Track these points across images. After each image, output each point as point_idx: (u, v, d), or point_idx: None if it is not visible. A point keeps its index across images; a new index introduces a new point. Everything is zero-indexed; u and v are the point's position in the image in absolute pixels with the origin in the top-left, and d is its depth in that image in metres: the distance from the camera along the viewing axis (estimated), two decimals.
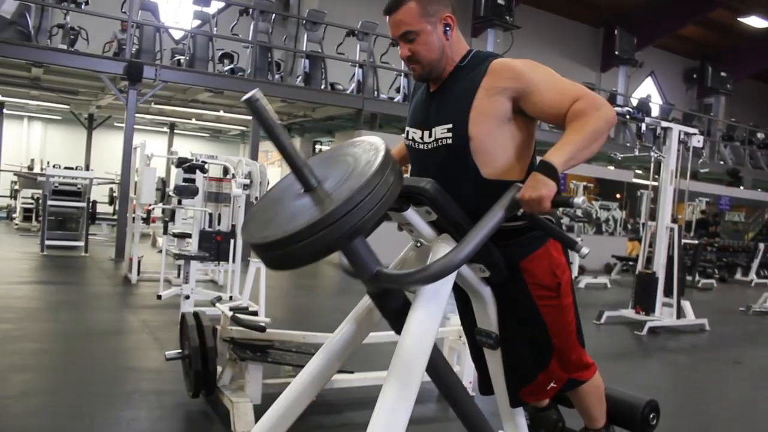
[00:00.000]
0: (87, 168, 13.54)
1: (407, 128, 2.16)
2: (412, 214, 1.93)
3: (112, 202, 14.15)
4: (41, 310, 5.80)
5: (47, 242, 9.27)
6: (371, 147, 1.76)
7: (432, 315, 1.82)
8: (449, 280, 1.85)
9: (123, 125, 9.93)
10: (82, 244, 9.58)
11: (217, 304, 3.70)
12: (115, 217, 13.17)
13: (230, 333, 3.35)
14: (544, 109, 1.94)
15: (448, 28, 2.01)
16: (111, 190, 14.05)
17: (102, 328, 5.19)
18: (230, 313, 3.35)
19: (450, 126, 1.97)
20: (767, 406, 4.49)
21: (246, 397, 3.16)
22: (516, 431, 2.24)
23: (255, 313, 3.57)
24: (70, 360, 4.22)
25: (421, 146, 2.08)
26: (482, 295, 2.08)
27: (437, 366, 2.03)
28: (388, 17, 2.03)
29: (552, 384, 2.14)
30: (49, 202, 9.36)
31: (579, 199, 1.81)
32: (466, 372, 3.86)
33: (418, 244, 2.04)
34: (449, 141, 1.98)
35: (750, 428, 3.96)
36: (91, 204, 10.09)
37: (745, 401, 4.58)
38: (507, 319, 2.09)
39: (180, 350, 3.45)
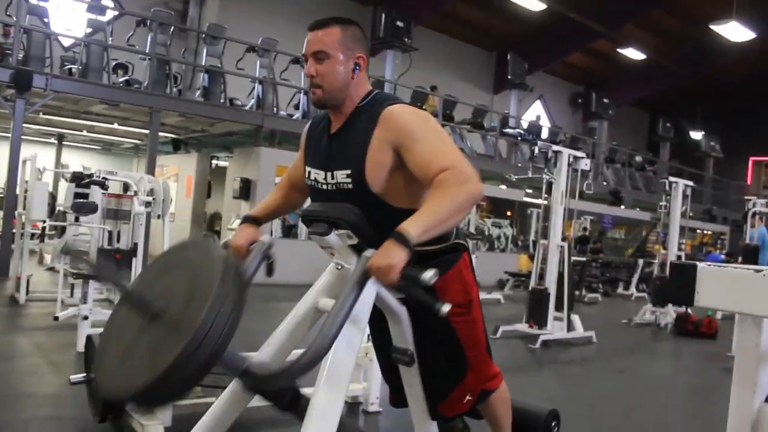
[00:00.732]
0: None
1: (308, 168, 2.21)
2: (333, 238, 2.00)
3: None
4: None
5: None
6: (207, 254, 1.74)
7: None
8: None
9: (5, 135, 9.42)
10: None
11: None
12: None
13: None
14: (414, 167, 1.97)
15: (357, 67, 2.09)
16: None
17: None
18: None
19: (348, 172, 2.05)
20: (649, 411, 4.84)
21: (156, 419, 3.10)
22: None
23: None
24: None
25: (324, 186, 2.14)
26: (398, 315, 2.17)
27: None
28: (309, 32, 2.08)
29: (468, 397, 2.27)
30: None
31: (428, 275, 1.80)
32: (372, 388, 3.96)
33: (339, 267, 2.12)
34: (350, 186, 2.06)
35: (633, 428, 4.28)
36: None
37: (630, 407, 4.91)
38: (422, 337, 2.20)
39: (85, 373, 3.35)
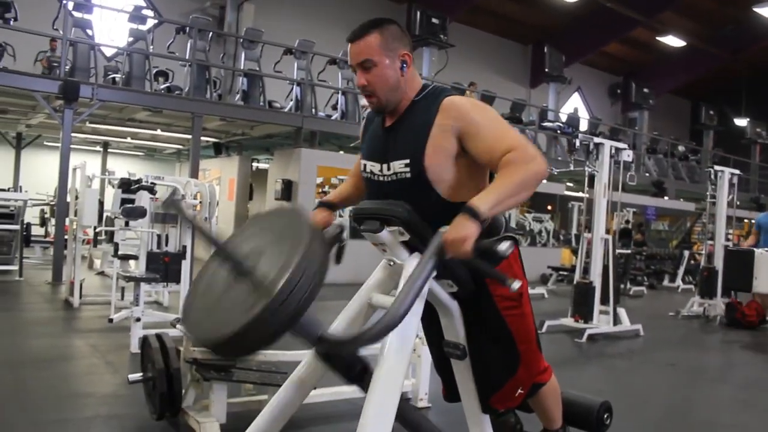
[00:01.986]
0: (16, 189, 13.09)
1: (363, 161, 2.26)
2: (385, 235, 2.05)
3: (43, 223, 13.72)
4: None
5: None
6: (295, 220, 1.84)
7: (400, 365, 1.91)
8: (415, 320, 1.93)
9: (54, 144, 9.71)
10: (16, 268, 9.26)
11: (179, 326, 3.71)
12: (48, 239, 12.83)
13: (193, 354, 3.38)
14: (479, 153, 2.04)
15: (404, 65, 2.12)
16: (42, 211, 13.63)
17: (50, 354, 5.09)
18: None
19: (407, 161, 2.09)
20: (701, 403, 4.79)
21: (212, 416, 3.19)
22: None
23: None
24: (21, 389, 4.13)
25: (380, 178, 2.18)
26: (450, 309, 2.21)
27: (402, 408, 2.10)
28: (350, 44, 2.12)
29: (519, 390, 2.29)
30: None
31: (503, 246, 1.88)
32: (421, 384, 4.00)
33: (391, 263, 2.16)
34: (408, 175, 2.09)
35: (687, 424, 4.22)
36: (24, 226, 9.77)
37: (682, 400, 4.86)
38: (475, 331, 2.23)
39: (142, 373, 3.46)
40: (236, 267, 1.76)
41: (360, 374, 1.95)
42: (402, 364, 1.90)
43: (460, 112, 2.04)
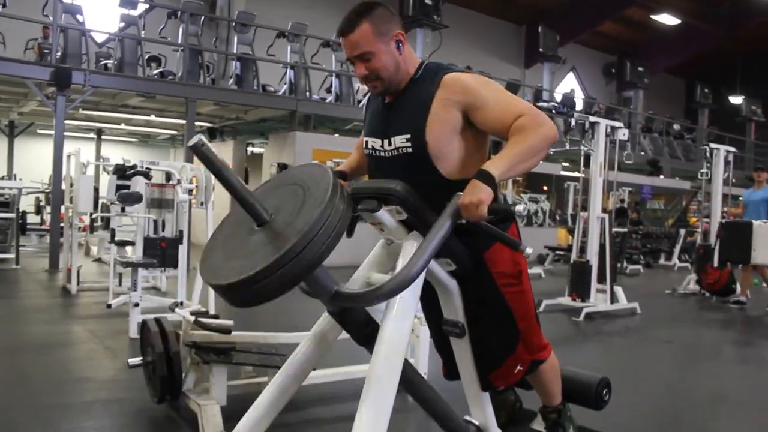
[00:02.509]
0: (10, 177, 13.04)
1: (366, 138, 2.26)
2: (383, 214, 2.04)
3: (39, 211, 13.69)
4: None
5: None
6: (318, 174, 1.85)
7: (403, 326, 1.92)
8: (417, 287, 1.95)
9: (47, 132, 9.66)
10: (12, 256, 9.24)
11: (177, 310, 3.72)
12: (44, 227, 12.80)
13: (192, 337, 3.39)
14: (489, 123, 2.06)
15: (399, 44, 2.12)
16: (37, 199, 13.59)
17: (49, 340, 5.09)
18: (192, 318, 3.38)
19: (408, 136, 2.09)
20: (697, 379, 4.82)
21: (212, 399, 3.20)
22: (483, 414, 2.39)
23: (216, 317, 3.60)
24: (21, 374, 4.14)
25: (382, 154, 2.18)
26: (448, 287, 2.21)
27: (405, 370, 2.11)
28: (342, 38, 2.10)
29: (519, 366, 2.30)
30: None
31: (520, 207, 1.93)
32: (420, 364, 4.01)
33: (389, 243, 2.16)
34: (409, 150, 2.10)
35: (684, 399, 4.26)
36: (20, 214, 9.75)
37: (679, 376, 4.89)
38: (474, 309, 2.23)
39: (142, 357, 3.46)
40: (258, 215, 1.77)
41: (370, 335, 1.96)
42: (406, 322, 1.92)
43: (465, 86, 2.06)
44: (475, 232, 2.06)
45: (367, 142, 2.25)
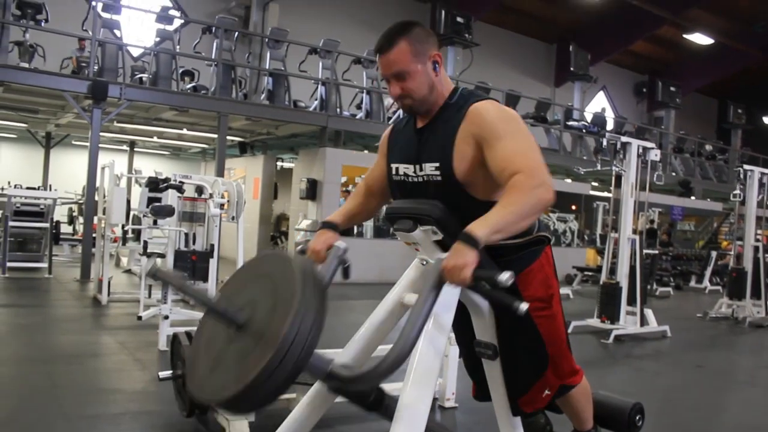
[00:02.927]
0: (45, 187, 13.30)
1: (394, 164, 2.24)
2: (419, 234, 2.04)
3: (71, 221, 13.92)
4: (12, 334, 5.72)
5: (8, 264, 9.09)
6: (283, 263, 1.79)
7: (436, 346, 1.89)
8: (451, 307, 1.93)
9: (82, 144, 9.84)
10: (45, 265, 9.41)
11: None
12: (76, 237, 13.01)
13: None
14: (490, 165, 1.99)
15: (436, 65, 2.10)
16: (70, 209, 13.83)
17: (79, 350, 5.16)
18: None
19: (437, 164, 2.08)
20: (729, 406, 4.73)
21: (241, 415, 3.21)
22: None
23: None
24: (52, 383, 4.19)
25: (414, 179, 2.17)
26: (481, 309, 2.20)
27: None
28: (378, 56, 2.09)
29: (546, 391, 2.28)
30: (10, 223, 9.17)
31: (504, 276, 1.77)
32: (449, 384, 3.99)
33: (424, 262, 2.15)
34: (438, 178, 2.08)
35: (716, 427, 4.17)
36: (54, 224, 9.92)
37: (710, 402, 4.80)
38: (504, 332, 2.22)
39: (172, 370, 3.49)
40: (233, 322, 1.71)
41: (376, 401, 1.93)
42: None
43: (483, 120, 2.01)
44: (509, 254, 2.06)
45: (397, 169, 2.22)
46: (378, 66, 2.12)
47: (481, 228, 1.81)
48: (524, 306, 1.82)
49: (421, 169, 2.13)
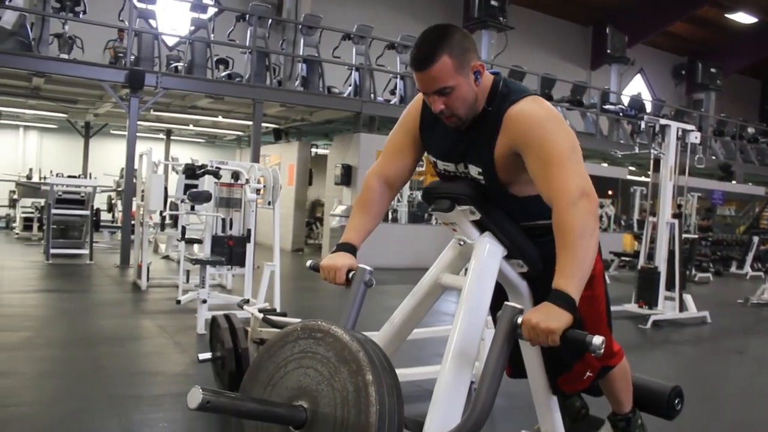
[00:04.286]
0: (86, 176, 13.58)
1: (436, 160, 2.18)
2: (457, 214, 2.04)
3: (110, 209, 14.19)
4: (58, 317, 5.88)
5: (51, 251, 9.33)
6: (334, 341, 1.58)
7: (476, 323, 1.90)
8: (490, 286, 1.94)
9: (120, 132, 10.00)
10: (86, 252, 9.63)
11: (245, 307, 3.80)
12: (115, 224, 13.27)
13: (260, 334, 3.46)
14: (532, 175, 1.91)
15: (478, 75, 1.98)
16: (110, 197, 14.09)
17: (121, 334, 5.28)
18: (260, 315, 3.44)
19: (480, 170, 2.04)
20: None
21: None
22: (549, 415, 2.36)
23: (284, 314, 3.66)
24: (96, 365, 4.31)
25: (454, 174, 2.14)
26: (519, 289, 2.19)
27: None
28: (418, 72, 1.92)
29: (588, 373, 2.26)
30: (53, 211, 9.39)
31: (597, 341, 1.58)
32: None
33: (461, 243, 2.15)
34: (482, 181, 2.05)
35: (756, 413, 4.10)
36: (94, 212, 10.14)
37: (750, 388, 4.72)
38: None
39: (211, 352, 3.55)
40: (293, 419, 1.52)
41: None
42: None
43: (518, 128, 1.92)
44: (545, 234, 2.04)
45: (437, 163, 2.19)
46: (415, 80, 1.98)
47: (571, 283, 1.73)
48: (599, 340, 1.59)
49: (465, 167, 2.10)
